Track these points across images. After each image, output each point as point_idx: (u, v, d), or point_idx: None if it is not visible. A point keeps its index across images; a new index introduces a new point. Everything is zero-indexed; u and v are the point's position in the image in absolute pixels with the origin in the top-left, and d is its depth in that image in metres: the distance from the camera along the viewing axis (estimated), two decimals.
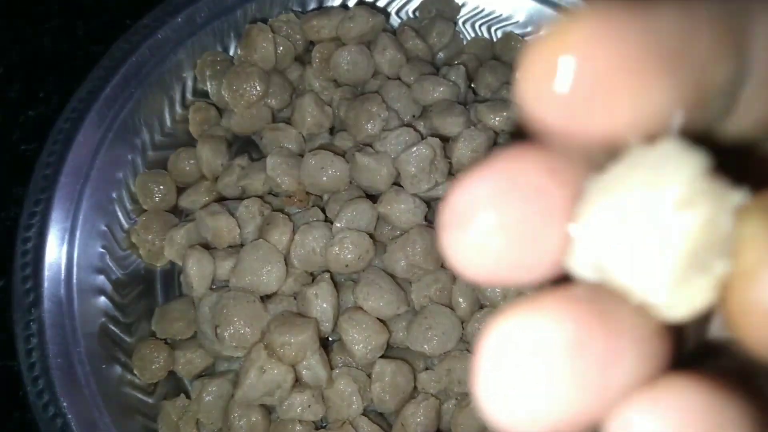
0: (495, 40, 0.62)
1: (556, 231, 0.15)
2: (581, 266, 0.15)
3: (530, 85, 0.14)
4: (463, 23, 0.62)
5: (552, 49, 0.13)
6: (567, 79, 0.13)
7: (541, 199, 0.14)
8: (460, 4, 0.61)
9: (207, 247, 0.51)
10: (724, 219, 0.13)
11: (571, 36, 0.13)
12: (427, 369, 0.49)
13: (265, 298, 0.48)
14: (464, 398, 0.48)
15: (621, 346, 0.14)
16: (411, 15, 0.62)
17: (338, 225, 0.48)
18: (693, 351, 0.16)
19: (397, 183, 0.51)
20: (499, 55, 0.60)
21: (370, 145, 0.51)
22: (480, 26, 0.62)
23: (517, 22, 0.62)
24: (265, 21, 0.58)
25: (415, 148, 0.49)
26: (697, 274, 0.13)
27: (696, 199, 0.13)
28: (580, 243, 0.14)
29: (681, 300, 0.14)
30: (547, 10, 0.61)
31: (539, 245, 0.15)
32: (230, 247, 0.50)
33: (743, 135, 0.16)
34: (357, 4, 0.58)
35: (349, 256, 0.47)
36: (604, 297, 0.14)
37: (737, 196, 0.13)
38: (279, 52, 0.56)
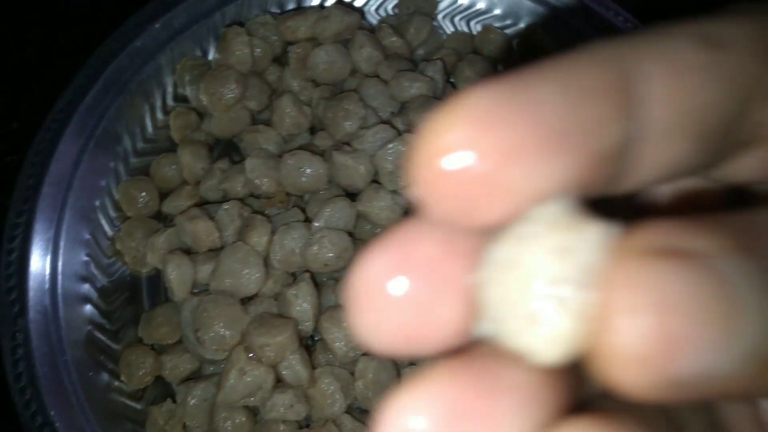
0: (474, 33, 0.61)
1: (452, 301, 0.15)
2: (478, 328, 0.15)
3: (420, 172, 0.14)
4: (443, 18, 0.62)
5: (439, 137, 0.13)
6: (457, 167, 0.13)
7: (435, 272, 0.15)
8: None
9: (189, 251, 0.51)
10: (593, 263, 0.13)
11: (458, 123, 0.13)
12: (411, 364, 0.49)
13: (246, 301, 0.48)
14: None
15: (503, 404, 0.14)
16: (390, 12, 0.62)
17: (317, 224, 0.48)
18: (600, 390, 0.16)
19: (376, 180, 0.51)
20: (479, 49, 0.60)
21: (348, 144, 0.51)
22: (459, 20, 0.62)
23: (496, 14, 0.61)
24: (242, 23, 0.58)
25: (391, 145, 0.49)
26: (567, 319, 0.14)
27: (564, 250, 0.13)
28: (473, 305, 0.15)
29: (550, 346, 0.14)
30: (526, 2, 0.60)
31: (435, 317, 0.15)
32: (211, 250, 0.50)
33: (651, 182, 0.16)
34: (332, 4, 0.58)
35: (328, 255, 0.47)
36: (494, 356, 0.15)
37: (607, 237, 0.14)
38: (256, 54, 0.56)
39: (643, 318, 0.12)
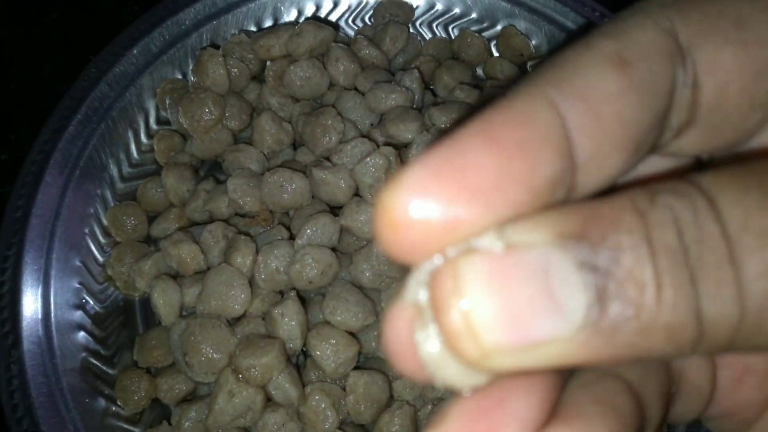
0: (452, 38, 0.61)
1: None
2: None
3: (383, 232, 0.16)
4: (420, 25, 0.62)
5: (393, 199, 0.16)
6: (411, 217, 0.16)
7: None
8: (414, 6, 0.61)
9: (176, 275, 0.51)
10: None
11: (405, 190, 0.16)
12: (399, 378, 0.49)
13: (234, 322, 0.48)
14: (440, 403, 0.48)
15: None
16: (367, 22, 0.62)
17: (299, 242, 0.49)
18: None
19: (358, 194, 0.51)
20: (457, 53, 0.60)
21: (328, 159, 0.51)
22: (437, 26, 0.62)
23: (473, 18, 0.61)
24: (220, 44, 0.58)
25: (369, 159, 0.49)
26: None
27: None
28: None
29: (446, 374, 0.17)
30: (502, 4, 0.60)
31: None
32: (197, 273, 0.50)
33: (597, 188, 0.19)
34: (305, 19, 0.58)
35: (312, 272, 0.48)
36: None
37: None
38: (233, 74, 0.56)
39: (463, 300, 0.15)
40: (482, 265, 0.16)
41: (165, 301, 0.49)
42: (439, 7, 0.62)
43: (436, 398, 0.48)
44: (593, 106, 0.17)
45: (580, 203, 0.16)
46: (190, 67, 0.59)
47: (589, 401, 0.18)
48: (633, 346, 0.16)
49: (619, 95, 0.17)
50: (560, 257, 0.15)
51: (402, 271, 0.49)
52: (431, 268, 0.16)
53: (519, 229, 0.16)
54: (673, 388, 0.21)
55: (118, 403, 0.51)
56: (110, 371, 0.53)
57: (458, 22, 0.62)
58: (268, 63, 0.57)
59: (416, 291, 0.17)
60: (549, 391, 0.17)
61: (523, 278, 0.15)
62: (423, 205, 0.16)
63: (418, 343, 0.17)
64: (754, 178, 0.16)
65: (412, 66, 0.58)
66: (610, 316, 0.15)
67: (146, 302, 0.55)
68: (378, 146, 0.51)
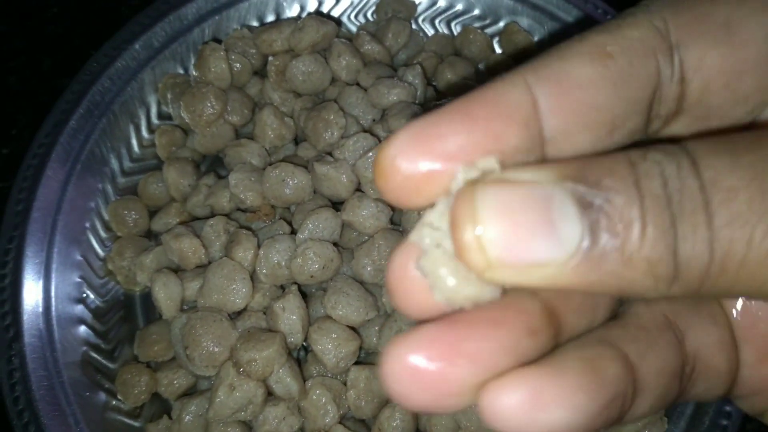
0: (455, 35, 0.61)
1: None
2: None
3: (378, 181, 0.21)
4: (423, 21, 0.62)
5: (383, 156, 0.21)
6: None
7: None
8: (416, 2, 0.61)
9: (177, 269, 0.51)
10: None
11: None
12: None
13: (234, 316, 0.48)
14: None
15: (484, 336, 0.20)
16: (370, 18, 0.62)
17: (301, 236, 0.49)
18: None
19: (360, 189, 0.51)
20: (460, 50, 0.60)
21: (330, 154, 0.51)
22: (439, 22, 0.62)
23: (476, 14, 0.61)
24: (222, 39, 0.58)
25: (371, 153, 0.49)
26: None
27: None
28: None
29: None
30: (505, 0, 0.60)
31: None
32: (198, 267, 0.50)
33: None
34: (308, 14, 0.58)
35: (313, 266, 0.48)
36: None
37: None
38: (235, 68, 0.56)
39: (479, 222, 0.18)
40: (494, 194, 0.19)
41: (166, 294, 0.49)
42: (441, 3, 0.62)
43: None
44: (566, 90, 0.20)
45: (582, 156, 0.20)
46: (192, 62, 0.59)
47: (573, 357, 0.20)
48: (617, 275, 0.18)
49: (594, 83, 0.20)
50: (561, 192, 0.18)
51: None
52: (431, 219, 0.20)
53: (527, 169, 0.19)
54: (687, 369, 0.23)
55: (119, 397, 0.51)
56: (110, 365, 0.53)
57: (461, 19, 0.62)
58: (270, 58, 0.57)
59: (420, 234, 0.20)
60: (514, 342, 0.20)
61: (528, 208, 0.18)
62: (403, 159, 0.20)
63: (422, 265, 0.20)
64: (730, 147, 0.19)
65: (415, 62, 0.58)
66: (599, 246, 0.18)
67: (147, 297, 0.56)
68: (380, 141, 0.51)
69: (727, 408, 0.47)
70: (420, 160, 0.20)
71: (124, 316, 0.55)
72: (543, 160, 0.21)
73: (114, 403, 0.51)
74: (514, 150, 0.20)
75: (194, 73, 0.56)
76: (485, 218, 0.18)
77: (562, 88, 0.20)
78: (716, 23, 0.21)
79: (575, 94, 0.20)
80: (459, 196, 0.19)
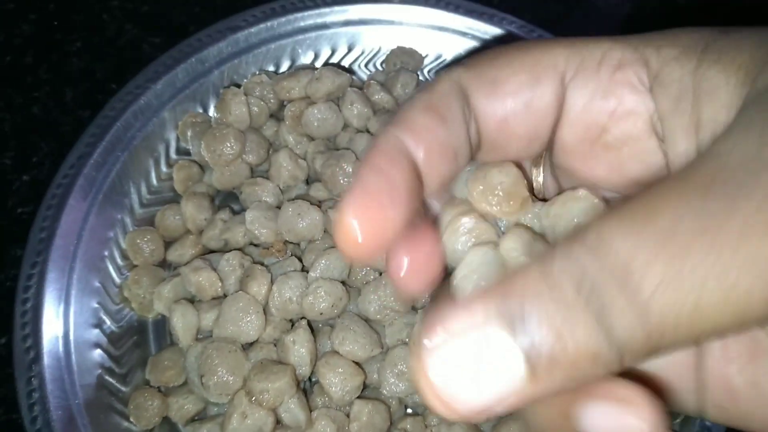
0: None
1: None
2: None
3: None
4: (428, 72, 0.67)
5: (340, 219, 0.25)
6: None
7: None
8: (423, 55, 0.65)
9: (193, 299, 0.54)
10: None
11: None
12: (405, 406, 0.53)
13: (247, 346, 0.52)
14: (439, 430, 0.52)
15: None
16: (379, 67, 0.66)
17: (313, 275, 0.52)
18: None
19: None
20: None
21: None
22: None
23: (449, 65, 0.65)
24: (239, 84, 0.62)
25: None
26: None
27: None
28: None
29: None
30: None
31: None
32: (214, 299, 0.54)
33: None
34: (324, 65, 0.62)
35: (323, 304, 0.51)
36: None
37: None
38: (253, 111, 0.60)
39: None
40: (439, 355, 0.21)
41: (183, 324, 0.52)
42: (446, 56, 0.66)
43: (434, 426, 0.52)
44: (492, 100, 0.27)
45: (499, 283, 0.21)
46: (211, 102, 0.63)
47: None
48: (570, 377, 0.20)
49: (436, 126, 0.27)
50: (495, 331, 0.20)
51: (405, 306, 0.53)
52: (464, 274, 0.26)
53: (457, 319, 0.21)
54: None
55: (131, 419, 0.54)
56: (123, 388, 0.55)
57: None
58: (287, 103, 0.60)
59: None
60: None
61: (473, 356, 0.20)
62: (348, 220, 0.24)
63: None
64: (631, 222, 0.21)
65: None
66: (542, 361, 0.20)
67: (159, 324, 0.58)
68: None
69: None
70: (358, 219, 0.24)
71: (137, 342, 0.57)
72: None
73: (126, 425, 0.54)
74: (452, 147, 0.27)
75: (215, 114, 0.60)
76: (442, 380, 0.21)
77: (492, 98, 0.27)
78: (486, 79, 0.28)
79: (503, 103, 0.28)
80: (412, 356, 0.22)
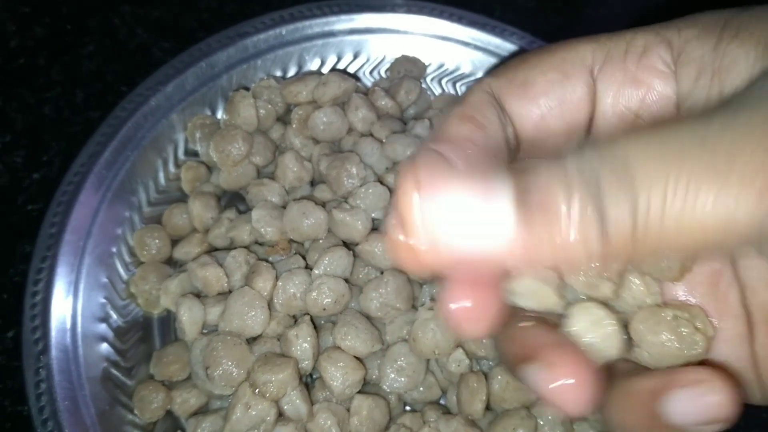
0: (459, 94, 0.67)
1: None
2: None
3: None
4: (431, 81, 0.68)
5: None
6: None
7: None
8: (426, 64, 0.67)
9: (199, 294, 0.56)
10: None
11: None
12: (404, 403, 0.54)
13: (251, 340, 0.53)
14: (437, 426, 0.53)
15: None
16: (383, 75, 0.68)
17: (317, 272, 0.53)
18: None
19: (376, 228, 0.56)
20: None
21: (346, 200, 0.57)
22: (446, 83, 0.68)
23: (479, 77, 0.67)
24: (248, 87, 0.64)
25: (384, 202, 0.54)
26: None
27: None
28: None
29: None
30: None
31: None
32: (219, 294, 0.55)
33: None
34: (330, 71, 0.64)
35: (326, 300, 0.52)
36: None
37: None
38: (261, 114, 0.61)
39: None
40: (442, 196, 0.23)
41: (190, 317, 0.53)
42: (448, 66, 0.68)
43: (432, 422, 0.53)
44: (524, 103, 0.30)
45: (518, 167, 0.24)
46: (219, 105, 0.64)
47: None
48: (554, 246, 0.22)
49: (550, 94, 0.30)
50: (497, 186, 0.23)
51: (405, 303, 0.54)
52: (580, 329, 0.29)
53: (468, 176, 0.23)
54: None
55: (135, 411, 0.55)
56: (128, 382, 0.56)
57: (465, 80, 0.68)
58: (294, 107, 0.62)
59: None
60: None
61: (471, 201, 0.23)
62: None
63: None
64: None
65: (423, 117, 0.64)
66: (533, 218, 0.22)
67: (164, 320, 0.60)
68: (390, 189, 0.56)
69: None
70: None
71: (142, 337, 0.59)
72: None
73: (130, 417, 0.55)
74: (501, 146, 0.29)
75: (224, 116, 0.62)
76: (431, 215, 0.23)
77: (524, 100, 0.30)
78: (516, 83, 0.30)
79: (535, 105, 0.30)
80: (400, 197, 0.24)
